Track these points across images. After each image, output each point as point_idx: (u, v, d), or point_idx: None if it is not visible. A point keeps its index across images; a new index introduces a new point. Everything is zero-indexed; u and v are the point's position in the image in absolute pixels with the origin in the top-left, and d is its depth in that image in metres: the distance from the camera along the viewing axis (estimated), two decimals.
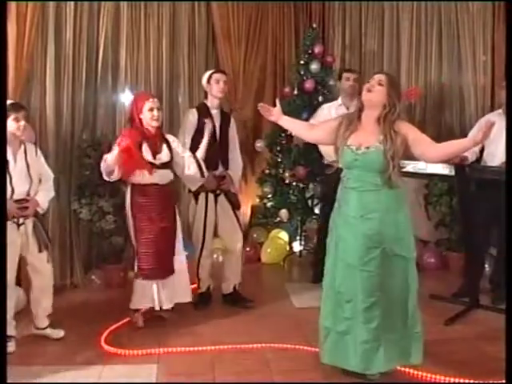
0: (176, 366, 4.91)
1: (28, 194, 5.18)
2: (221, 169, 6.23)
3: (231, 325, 5.82)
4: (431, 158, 4.63)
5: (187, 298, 5.93)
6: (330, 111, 7.08)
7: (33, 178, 5.21)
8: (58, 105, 6.81)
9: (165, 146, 5.70)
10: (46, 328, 5.46)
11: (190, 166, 5.79)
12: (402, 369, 4.71)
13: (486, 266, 6.77)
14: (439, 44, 8.45)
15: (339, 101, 7.19)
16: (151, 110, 5.58)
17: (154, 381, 4.68)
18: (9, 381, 3.95)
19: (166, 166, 5.70)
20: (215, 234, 6.46)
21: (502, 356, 4.92)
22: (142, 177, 5.58)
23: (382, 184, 4.43)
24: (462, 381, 4.59)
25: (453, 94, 8.32)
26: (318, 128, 4.94)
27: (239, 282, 6.44)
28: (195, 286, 6.39)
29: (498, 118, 6.27)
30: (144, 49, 7.60)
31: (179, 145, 5.85)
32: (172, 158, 5.73)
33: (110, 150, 5.64)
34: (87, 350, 5.17)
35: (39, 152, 5.42)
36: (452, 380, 4.61)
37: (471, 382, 4.57)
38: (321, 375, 4.73)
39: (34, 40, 6.34)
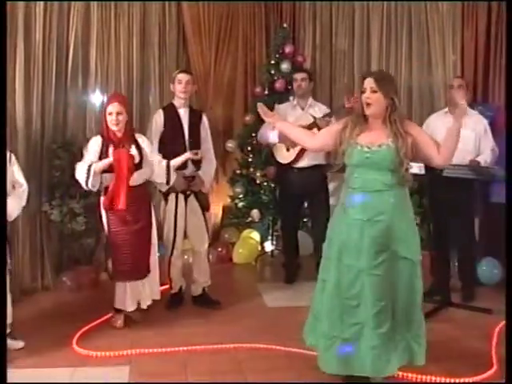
0: (148, 367, 4.88)
1: None
2: (190, 169, 6.18)
3: (203, 325, 5.80)
4: (442, 163, 4.54)
5: (156, 296, 5.95)
6: (286, 111, 7.10)
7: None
8: (28, 105, 6.76)
9: (134, 148, 5.66)
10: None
11: (159, 173, 5.81)
12: None
13: (456, 264, 6.81)
14: (409, 44, 8.52)
15: (294, 101, 7.23)
16: (110, 114, 5.56)
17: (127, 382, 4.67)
18: None
19: (137, 167, 5.65)
20: (184, 235, 6.44)
21: (476, 352, 5.00)
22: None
23: (392, 184, 4.35)
24: (438, 379, 4.62)
25: (423, 93, 8.38)
26: (320, 135, 4.85)
27: (208, 284, 6.44)
28: (167, 286, 6.38)
29: (443, 117, 6.37)
30: (114, 49, 7.57)
31: (149, 146, 5.84)
32: (142, 158, 5.70)
33: (81, 152, 5.62)
34: (59, 352, 5.13)
35: (13, 159, 5.33)
36: (430, 379, 4.63)
37: (446, 380, 4.61)
38: (294, 374, 4.73)
39: None
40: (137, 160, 5.65)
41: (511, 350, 3.59)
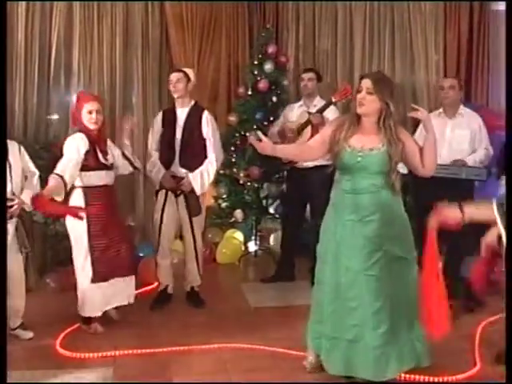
0: (132, 368, 4.86)
1: (13, 194, 5.11)
2: (177, 167, 6.17)
3: (187, 325, 5.78)
4: (427, 175, 4.57)
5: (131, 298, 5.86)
6: (292, 111, 7.20)
7: (14, 176, 5.14)
8: (11, 106, 6.74)
9: (108, 148, 5.66)
10: (17, 329, 5.42)
11: (122, 164, 5.81)
12: None
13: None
14: (392, 44, 8.56)
15: (301, 101, 7.25)
16: (90, 112, 5.49)
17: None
18: None
19: (110, 167, 5.65)
20: (179, 235, 6.45)
21: (459, 351, 5.01)
22: (98, 178, 5.51)
23: (382, 185, 4.38)
24: (421, 378, 4.59)
25: (406, 93, 8.41)
26: (316, 144, 4.69)
27: (195, 284, 6.41)
28: (153, 286, 6.38)
29: (438, 118, 6.41)
30: (97, 49, 7.56)
31: (114, 146, 5.82)
32: (114, 158, 5.70)
33: (61, 152, 5.57)
34: (42, 354, 5.11)
35: (23, 149, 5.35)
36: (414, 378, 4.59)
37: (430, 379, 4.62)
38: (279, 375, 4.72)
39: None
40: (112, 160, 5.66)
41: (511, 350, 3.58)
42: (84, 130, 5.51)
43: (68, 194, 5.51)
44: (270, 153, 4.64)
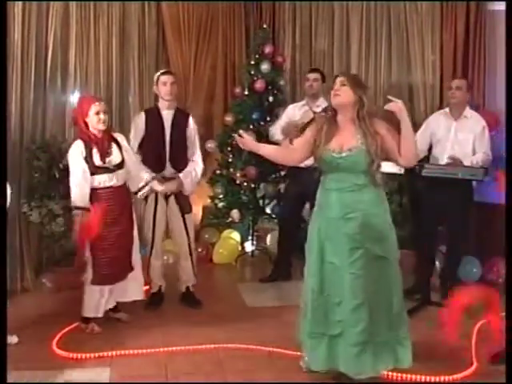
0: (129, 369, 4.87)
1: None
2: (169, 170, 6.17)
3: (183, 325, 5.78)
4: (406, 165, 4.66)
5: (140, 295, 5.92)
6: (295, 111, 7.22)
7: None
8: (6, 106, 6.72)
9: (115, 147, 5.61)
10: None
11: (134, 182, 5.83)
12: None
13: (437, 263, 6.84)
14: (389, 44, 8.54)
15: (304, 101, 7.29)
16: (97, 113, 5.47)
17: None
18: None
19: (119, 166, 5.60)
20: (167, 236, 6.46)
21: (456, 351, 5.01)
22: (96, 181, 5.49)
23: (364, 184, 4.44)
24: (418, 378, 4.63)
25: (402, 93, 8.40)
26: (299, 147, 4.78)
27: (191, 283, 6.42)
28: (147, 287, 6.38)
29: (443, 117, 6.42)
30: (94, 49, 7.55)
31: (131, 149, 5.84)
32: (123, 157, 5.65)
33: (60, 153, 5.54)
34: (39, 355, 5.10)
35: None
36: (410, 378, 4.63)
37: (427, 379, 4.62)
38: (274, 374, 4.73)
39: None
40: (118, 160, 5.61)
41: (511, 350, 3.59)
42: (83, 135, 5.52)
43: None
44: (253, 149, 4.81)
